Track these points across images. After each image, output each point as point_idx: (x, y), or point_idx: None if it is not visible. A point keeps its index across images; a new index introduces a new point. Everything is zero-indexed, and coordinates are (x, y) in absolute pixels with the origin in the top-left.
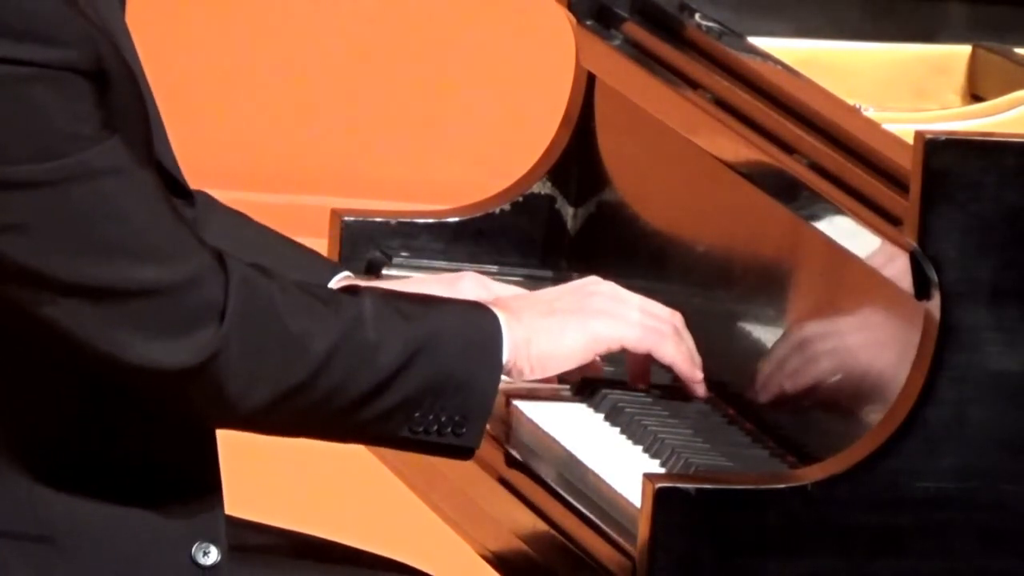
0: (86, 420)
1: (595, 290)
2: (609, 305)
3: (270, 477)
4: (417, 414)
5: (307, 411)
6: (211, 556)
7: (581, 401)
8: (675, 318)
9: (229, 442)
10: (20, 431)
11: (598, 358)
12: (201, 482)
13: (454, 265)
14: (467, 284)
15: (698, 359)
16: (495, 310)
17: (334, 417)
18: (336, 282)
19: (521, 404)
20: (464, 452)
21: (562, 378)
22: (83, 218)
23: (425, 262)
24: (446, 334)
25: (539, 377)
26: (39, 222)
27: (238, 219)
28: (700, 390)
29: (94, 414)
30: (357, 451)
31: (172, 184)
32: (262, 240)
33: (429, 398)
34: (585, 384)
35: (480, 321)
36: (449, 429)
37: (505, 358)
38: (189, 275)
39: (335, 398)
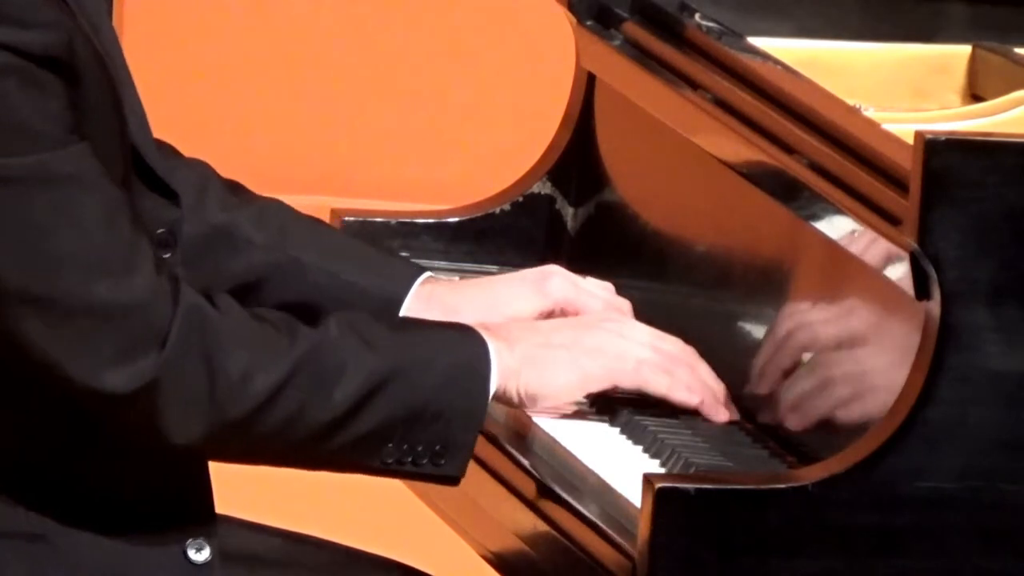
0: (74, 424)
1: (597, 325)
2: (606, 342)
3: (266, 476)
4: (390, 445)
5: (254, 445)
6: (204, 553)
7: (581, 401)
8: (686, 354)
9: None
10: (9, 435)
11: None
12: (192, 480)
13: (454, 265)
14: (556, 283)
15: (718, 387)
16: (486, 337)
17: (290, 450)
18: (419, 284)
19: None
20: (447, 480)
21: None
22: (34, 224)
23: (425, 262)
24: (420, 364)
25: (529, 409)
26: None
27: (317, 227)
28: (718, 416)
29: (80, 420)
30: None
31: (153, 181)
32: (342, 246)
33: (400, 429)
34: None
35: (465, 349)
36: (426, 460)
37: (494, 386)
38: (137, 298)
39: (284, 433)
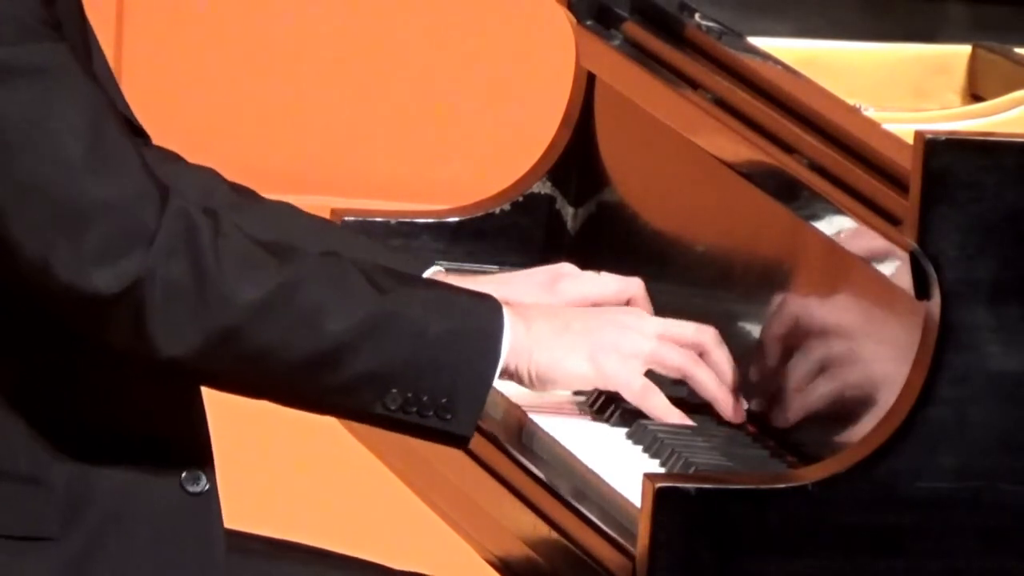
0: (64, 355)
1: (616, 320)
2: (620, 342)
3: (267, 480)
4: (394, 390)
5: (243, 365)
6: (200, 483)
7: (580, 401)
8: (702, 335)
9: (228, 448)
10: (1, 371)
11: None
12: (185, 409)
13: (454, 265)
14: (567, 285)
15: (729, 379)
16: (505, 310)
17: (282, 378)
18: (428, 276)
19: (522, 405)
20: (454, 439)
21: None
22: (21, 114)
23: None
24: (427, 315)
25: (538, 391)
26: None
27: (325, 225)
28: (731, 415)
29: (69, 348)
30: (357, 451)
31: (127, 124)
32: (349, 242)
33: (405, 377)
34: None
35: (482, 314)
36: (432, 412)
37: (504, 357)
38: (124, 196)
39: (274, 355)
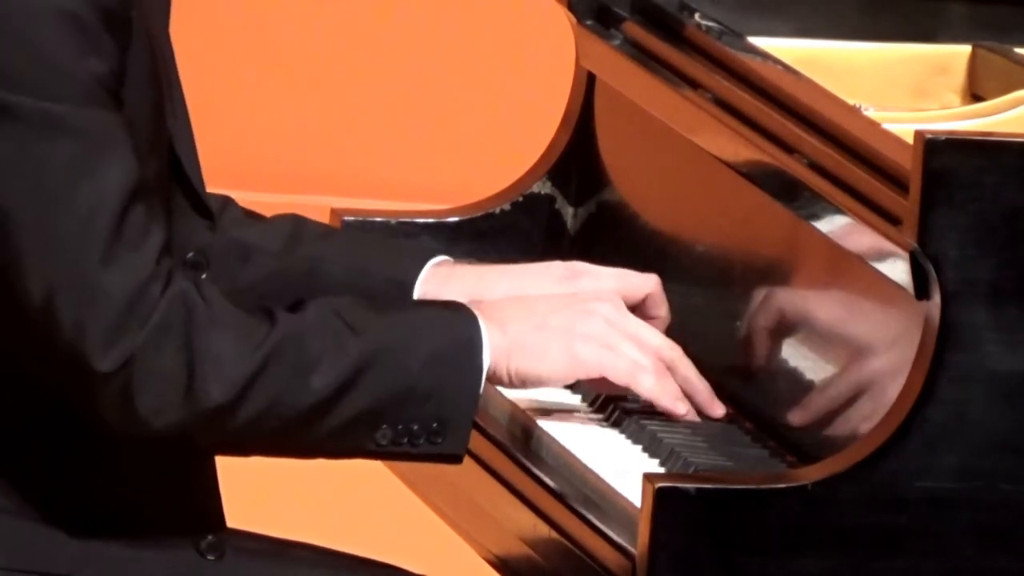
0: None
1: (594, 310)
2: (602, 331)
3: (266, 481)
4: (383, 427)
5: (238, 433)
6: (214, 551)
7: (581, 401)
8: (666, 351)
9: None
10: (12, 451)
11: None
12: (198, 479)
13: None
14: (587, 284)
15: (702, 385)
16: (477, 315)
17: (276, 437)
18: (432, 265)
19: (521, 404)
20: (448, 459)
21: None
22: (65, 171)
23: None
24: (404, 345)
25: (521, 390)
26: (14, 158)
27: (329, 229)
28: (711, 412)
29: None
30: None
31: (196, 202)
32: (354, 239)
33: (391, 411)
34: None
35: (456, 329)
36: (422, 439)
37: (486, 364)
38: (135, 281)
39: (266, 420)
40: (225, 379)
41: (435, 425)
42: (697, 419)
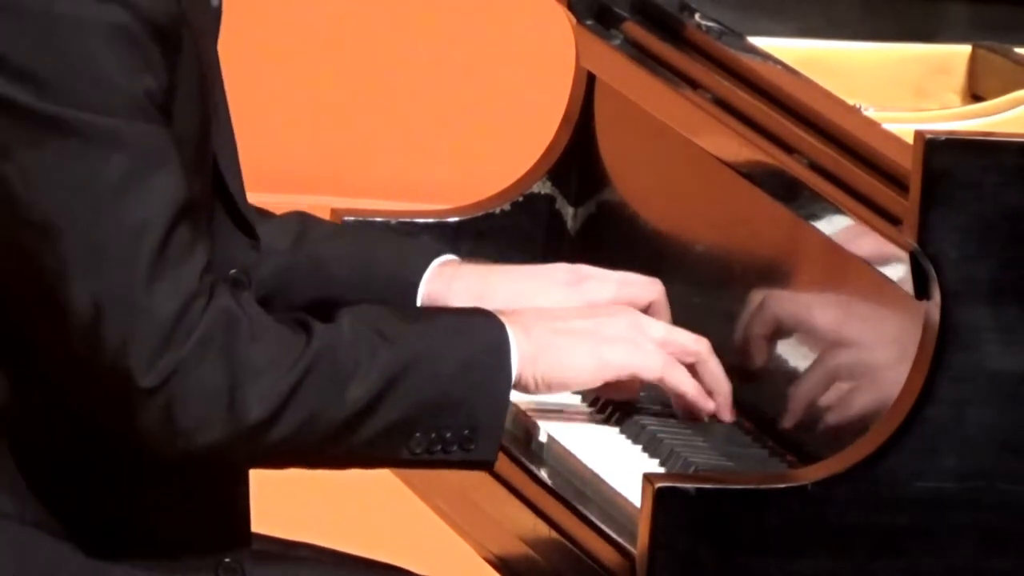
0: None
1: (616, 315)
2: (627, 332)
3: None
4: (417, 435)
5: (276, 447)
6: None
7: (581, 401)
8: (699, 345)
9: None
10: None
11: (637, 387)
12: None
13: None
14: (593, 287)
15: (727, 386)
16: (504, 322)
17: (313, 450)
18: (438, 265)
19: (521, 405)
20: (480, 465)
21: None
22: (116, 183)
23: None
24: (436, 353)
25: (544, 395)
26: (64, 172)
27: (336, 226)
28: (725, 416)
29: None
30: None
31: (239, 220)
32: (360, 237)
33: (425, 419)
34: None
35: (484, 335)
36: (455, 446)
37: (514, 371)
38: (179, 298)
39: (303, 434)
40: (265, 394)
41: (467, 432)
42: (705, 419)
